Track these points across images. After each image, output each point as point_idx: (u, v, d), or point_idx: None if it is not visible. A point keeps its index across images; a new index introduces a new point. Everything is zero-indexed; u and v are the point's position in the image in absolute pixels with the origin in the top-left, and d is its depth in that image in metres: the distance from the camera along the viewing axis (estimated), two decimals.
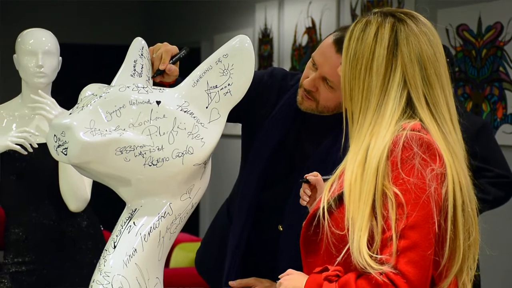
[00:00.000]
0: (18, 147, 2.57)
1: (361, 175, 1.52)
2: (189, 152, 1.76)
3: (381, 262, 1.47)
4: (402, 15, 1.60)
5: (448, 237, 1.52)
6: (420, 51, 1.56)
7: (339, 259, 1.53)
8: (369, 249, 1.49)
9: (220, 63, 1.83)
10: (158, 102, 1.76)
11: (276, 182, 2.20)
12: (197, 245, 4.33)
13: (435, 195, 1.49)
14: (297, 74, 2.27)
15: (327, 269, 1.55)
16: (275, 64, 5.54)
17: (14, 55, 2.72)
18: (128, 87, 1.78)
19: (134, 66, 1.90)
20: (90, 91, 1.78)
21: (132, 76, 1.88)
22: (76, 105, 1.76)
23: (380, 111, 1.56)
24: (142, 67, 1.91)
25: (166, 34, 6.96)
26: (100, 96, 1.74)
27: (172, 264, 4.79)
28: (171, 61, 1.98)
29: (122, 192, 1.81)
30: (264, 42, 5.70)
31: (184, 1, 6.91)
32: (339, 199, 1.56)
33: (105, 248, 1.78)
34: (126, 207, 1.83)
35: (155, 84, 1.97)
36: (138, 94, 1.76)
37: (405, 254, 1.46)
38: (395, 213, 1.47)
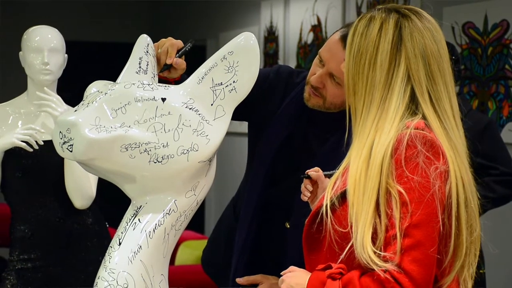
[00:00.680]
0: (24, 144, 2.58)
1: (365, 172, 1.52)
2: (194, 149, 1.77)
3: (385, 260, 1.47)
4: (406, 11, 1.60)
5: (452, 233, 1.52)
6: (424, 47, 1.56)
7: (342, 256, 1.53)
8: (372, 246, 1.49)
9: (226, 60, 1.83)
10: (163, 99, 1.76)
11: (283, 179, 2.20)
12: (202, 242, 4.33)
13: (439, 194, 1.49)
14: (303, 72, 2.27)
15: (330, 267, 1.55)
16: (280, 62, 5.54)
17: (20, 52, 2.72)
18: (133, 84, 1.78)
19: (139, 63, 1.90)
20: (95, 88, 1.78)
21: (137, 73, 1.88)
22: (82, 102, 1.76)
23: (384, 106, 1.56)
24: (148, 64, 1.91)
25: (172, 31, 6.95)
26: (106, 93, 1.75)
27: (178, 262, 4.80)
28: (177, 54, 1.98)
29: (127, 189, 1.81)
30: (270, 40, 5.70)
31: None
32: (342, 197, 1.56)
33: (110, 245, 1.78)
34: (131, 204, 1.83)
35: (160, 81, 1.97)
36: (144, 91, 1.77)
37: (409, 253, 1.46)
38: (399, 212, 1.47)
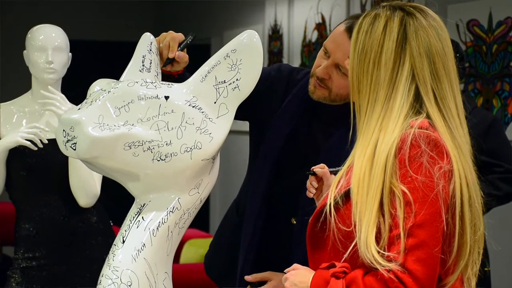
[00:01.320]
0: (28, 142, 2.59)
1: (369, 171, 1.51)
2: (197, 147, 1.77)
3: (389, 259, 1.47)
4: (411, 8, 1.60)
5: (456, 232, 1.52)
6: (429, 45, 1.56)
7: (345, 255, 1.53)
8: (376, 245, 1.48)
9: (229, 58, 1.83)
10: (166, 97, 1.76)
11: (288, 175, 2.20)
12: (207, 241, 4.34)
13: (443, 193, 1.48)
14: (303, 69, 2.28)
15: (333, 265, 1.55)
16: (285, 61, 5.54)
17: (24, 51, 2.73)
18: (137, 82, 1.78)
19: (142, 62, 1.90)
20: (98, 86, 1.79)
21: (140, 71, 1.88)
22: (85, 100, 1.76)
23: (388, 105, 1.55)
24: (151, 62, 1.91)
25: (177, 30, 6.95)
26: (109, 91, 1.75)
27: (182, 260, 4.80)
28: (179, 48, 1.98)
29: (131, 187, 1.82)
30: (274, 38, 5.70)
31: None
32: (346, 196, 1.55)
33: (114, 243, 1.78)
34: (135, 202, 1.83)
35: (163, 78, 1.97)
36: (147, 89, 1.77)
37: (413, 253, 1.46)
38: (403, 212, 1.47)
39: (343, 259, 1.54)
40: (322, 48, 2.11)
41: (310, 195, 1.89)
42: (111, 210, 2.95)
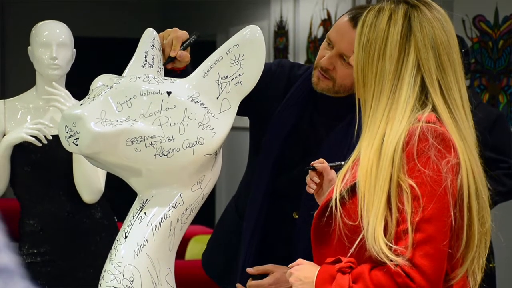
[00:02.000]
0: (33, 138, 2.59)
1: (377, 163, 1.50)
2: (199, 143, 1.76)
3: (396, 253, 1.46)
4: (416, 1, 1.59)
5: (465, 224, 1.51)
6: (434, 37, 1.55)
7: (352, 250, 1.52)
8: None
9: (231, 53, 1.83)
10: (168, 93, 1.76)
11: (291, 169, 2.20)
12: None
13: (451, 188, 1.47)
14: (304, 65, 2.28)
15: (339, 260, 1.54)
16: (290, 57, 5.53)
17: (29, 47, 2.73)
18: (139, 77, 1.78)
19: (145, 57, 1.90)
20: (101, 81, 1.78)
21: (143, 67, 1.88)
22: (87, 96, 1.76)
23: (394, 96, 1.54)
24: (154, 58, 1.91)
25: (182, 27, 6.95)
26: (111, 87, 1.75)
27: (188, 256, 4.81)
28: (182, 47, 1.97)
29: (133, 182, 1.82)
30: (280, 34, 5.69)
31: None
32: (352, 190, 1.54)
33: (116, 238, 1.78)
34: (137, 197, 1.83)
35: (166, 73, 1.97)
36: (149, 85, 1.76)
37: (420, 248, 1.45)
38: (410, 206, 1.46)
39: (349, 253, 1.52)
40: (326, 39, 2.11)
41: (311, 190, 1.88)
42: (115, 206, 2.95)
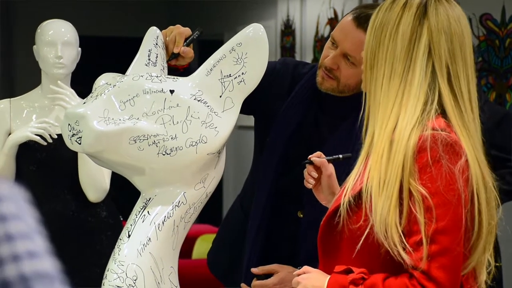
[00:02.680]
0: (38, 137, 2.59)
1: (389, 149, 1.48)
2: (202, 141, 1.76)
3: (409, 253, 1.44)
4: None
5: (475, 213, 1.48)
6: (449, 24, 1.52)
7: (358, 246, 1.49)
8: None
9: (234, 51, 1.82)
10: (171, 91, 1.76)
11: (295, 167, 2.19)
12: None
13: (463, 194, 1.45)
14: (308, 63, 2.27)
15: (350, 270, 1.50)
16: (297, 56, 5.52)
17: (34, 46, 2.74)
18: (142, 76, 1.78)
19: (148, 56, 1.90)
20: (104, 80, 1.79)
21: (146, 65, 1.88)
22: (90, 95, 1.76)
23: (407, 78, 1.52)
24: (157, 56, 1.91)
25: (189, 25, 6.96)
26: (114, 85, 1.75)
27: (195, 255, 4.81)
28: (185, 43, 1.97)
29: (137, 181, 1.81)
30: (286, 33, 5.68)
31: None
32: (360, 197, 1.51)
33: (119, 237, 1.78)
34: (140, 196, 1.83)
35: (169, 72, 1.97)
36: (152, 83, 1.76)
37: (436, 259, 1.43)
38: (423, 216, 1.44)
39: (355, 250, 1.49)
40: (330, 38, 2.11)
41: (309, 186, 1.86)
42: (119, 204, 2.95)
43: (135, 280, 1.72)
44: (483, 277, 1.56)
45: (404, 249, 1.44)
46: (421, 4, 1.54)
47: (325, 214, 1.60)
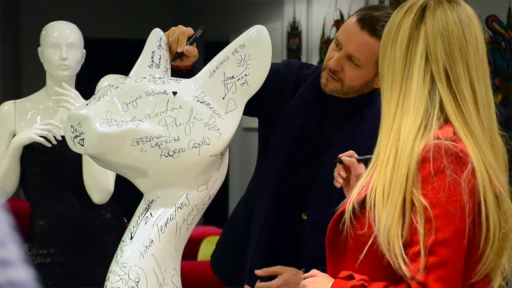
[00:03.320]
0: (42, 139, 2.59)
1: (394, 156, 1.46)
2: (205, 143, 1.76)
3: (408, 265, 1.42)
4: None
5: (483, 229, 1.46)
6: (445, 25, 1.51)
7: (361, 256, 1.48)
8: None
9: (237, 53, 1.82)
10: (174, 93, 1.76)
11: (298, 169, 2.19)
12: None
13: (467, 207, 1.43)
14: (312, 65, 2.27)
15: (352, 277, 1.50)
16: (303, 58, 5.52)
17: (39, 48, 2.74)
18: (145, 77, 1.78)
19: (152, 57, 1.90)
20: (107, 82, 1.78)
21: (150, 67, 1.88)
22: (93, 96, 1.76)
23: (406, 85, 1.51)
24: (160, 58, 1.91)
25: (195, 27, 6.96)
26: (117, 87, 1.74)
27: (200, 257, 4.80)
28: (188, 42, 1.97)
29: (139, 183, 1.81)
30: (293, 35, 5.68)
31: None
32: (364, 204, 1.50)
33: (122, 239, 1.78)
34: (143, 198, 1.83)
35: (172, 74, 1.96)
36: (155, 85, 1.76)
37: (434, 271, 1.41)
38: (423, 227, 1.42)
39: (358, 261, 1.49)
40: (334, 40, 2.10)
41: (338, 185, 1.85)
42: (125, 208, 2.95)
43: (137, 282, 1.71)
44: (497, 282, 1.53)
45: (404, 261, 1.43)
46: (420, 8, 1.53)
47: (328, 216, 1.60)
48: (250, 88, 1.83)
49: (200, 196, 1.82)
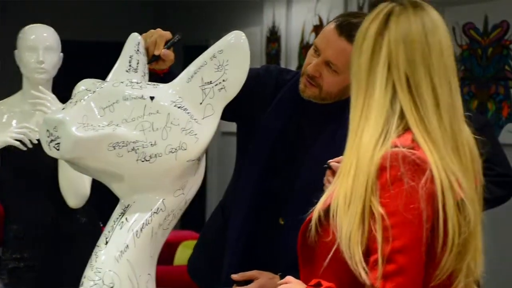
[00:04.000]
0: (18, 142, 2.58)
1: (355, 164, 1.47)
2: (182, 148, 1.75)
3: (367, 274, 1.43)
4: (407, 2, 1.54)
5: (440, 234, 1.47)
6: (408, 31, 1.50)
7: (325, 264, 1.49)
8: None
9: (215, 58, 1.82)
10: (151, 98, 1.75)
11: (276, 174, 2.19)
12: None
13: (425, 214, 1.43)
14: (292, 70, 2.28)
15: (320, 284, 1.51)
16: (282, 63, 5.53)
17: (15, 51, 2.72)
18: (122, 82, 1.77)
19: (129, 62, 1.89)
20: (84, 86, 1.78)
21: (127, 71, 1.87)
22: (70, 100, 1.75)
23: (368, 93, 1.50)
24: (138, 63, 1.90)
25: (174, 31, 6.95)
26: (94, 91, 1.74)
27: (177, 262, 4.79)
28: (166, 46, 1.97)
29: (115, 187, 1.80)
30: (272, 40, 5.69)
31: None
32: (328, 212, 1.51)
33: (97, 244, 1.77)
34: (119, 203, 1.82)
35: (151, 77, 1.96)
36: (132, 90, 1.76)
37: (392, 279, 1.42)
38: (381, 236, 1.42)
39: (322, 268, 1.50)
40: (313, 46, 2.11)
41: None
42: (101, 211, 2.94)
43: (112, 287, 1.71)
44: (459, 285, 1.54)
45: (364, 269, 1.44)
46: (385, 15, 1.53)
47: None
48: (228, 94, 1.83)
49: (176, 201, 1.82)
